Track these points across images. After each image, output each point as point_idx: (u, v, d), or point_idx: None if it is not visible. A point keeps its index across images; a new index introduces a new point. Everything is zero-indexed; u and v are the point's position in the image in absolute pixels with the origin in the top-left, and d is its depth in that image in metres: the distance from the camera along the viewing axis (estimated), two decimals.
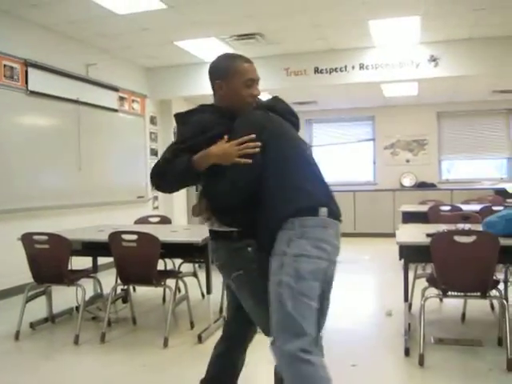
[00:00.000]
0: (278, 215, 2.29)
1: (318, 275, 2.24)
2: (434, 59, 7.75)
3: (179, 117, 2.53)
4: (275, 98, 2.62)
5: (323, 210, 2.29)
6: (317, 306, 2.25)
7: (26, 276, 4.60)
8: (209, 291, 4.44)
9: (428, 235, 3.93)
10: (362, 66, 8.02)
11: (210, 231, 2.52)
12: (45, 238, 4.42)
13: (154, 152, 9.50)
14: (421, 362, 3.65)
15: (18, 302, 4.68)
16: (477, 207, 6.43)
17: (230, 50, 8.01)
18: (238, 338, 2.73)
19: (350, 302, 5.85)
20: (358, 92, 10.10)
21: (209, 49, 7.92)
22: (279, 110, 2.52)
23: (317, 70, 8.22)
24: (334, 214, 2.34)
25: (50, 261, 4.41)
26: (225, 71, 2.44)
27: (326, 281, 2.31)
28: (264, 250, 2.33)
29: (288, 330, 2.19)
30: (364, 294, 6.39)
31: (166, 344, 4.19)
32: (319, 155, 12.76)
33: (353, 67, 8.07)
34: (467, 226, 4.24)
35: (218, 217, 2.43)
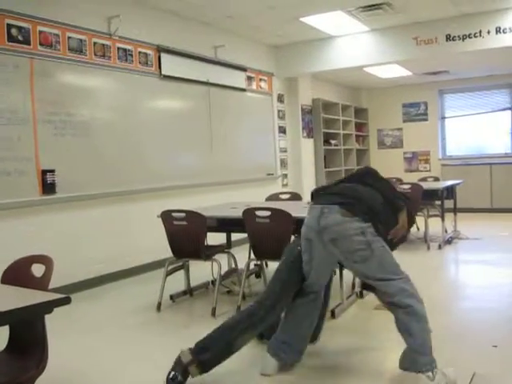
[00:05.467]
0: None
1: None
2: None
3: None
4: None
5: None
6: None
7: (165, 251, 4.86)
8: (342, 267, 4.44)
9: None
10: (498, 30, 7.48)
11: None
12: (182, 215, 4.63)
13: (282, 130, 9.58)
14: None
15: (159, 275, 4.96)
16: None
17: (357, 23, 7.86)
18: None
19: (489, 279, 5.60)
20: (494, 58, 9.48)
21: (335, 23, 7.83)
22: None
23: (448, 38, 7.79)
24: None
25: (187, 236, 4.62)
26: None
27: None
28: None
29: None
30: (503, 272, 6.06)
31: None
32: (452, 126, 12.26)
33: (488, 32, 7.55)
34: None
35: None
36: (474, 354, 3.41)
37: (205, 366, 3.02)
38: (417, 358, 2.87)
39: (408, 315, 2.89)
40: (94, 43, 5.86)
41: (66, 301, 1.97)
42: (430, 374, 2.81)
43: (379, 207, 3.05)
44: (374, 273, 2.96)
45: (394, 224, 3.08)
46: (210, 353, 3.04)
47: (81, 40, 5.70)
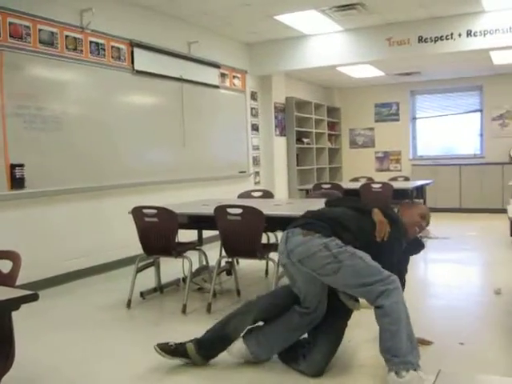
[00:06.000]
0: None
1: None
2: None
3: None
4: None
5: None
6: None
7: (136, 247, 4.82)
8: None
9: None
10: (469, 33, 7.60)
11: None
12: (153, 211, 4.61)
13: (255, 127, 9.59)
14: None
15: (130, 272, 4.91)
16: None
17: (331, 23, 7.90)
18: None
19: (456, 278, 5.70)
20: (465, 61, 9.63)
21: (309, 22, 7.86)
22: None
23: (421, 39, 7.90)
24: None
25: (158, 233, 4.60)
26: None
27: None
28: None
29: None
30: (471, 271, 6.19)
31: None
32: (423, 127, 12.43)
33: (459, 35, 7.67)
34: None
35: None
36: (441, 351, 3.46)
37: (201, 344, 3.25)
38: (388, 358, 2.88)
39: (382, 317, 2.90)
40: (66, 36, 5.78)
41: (33, 297, 1.95)
42: (403, 372, 2.78)
43: (345, 216, 3.19)
44: (350, 281, 2.99)
45: (371, 226, 3.15)
46: (206, 334, 3.30)
47: (52, 33, 5.62)
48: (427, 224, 3.50)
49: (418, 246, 3.55)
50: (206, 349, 3.26)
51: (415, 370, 2.81)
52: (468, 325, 4.07)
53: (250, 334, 3.30)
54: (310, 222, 3.18)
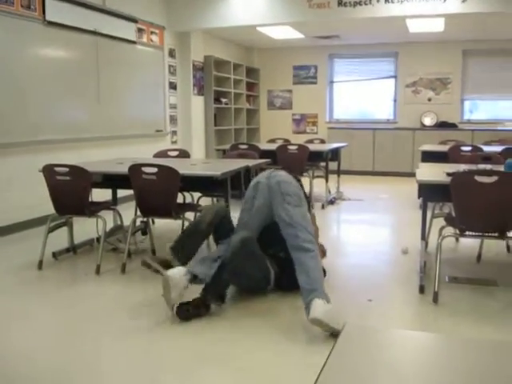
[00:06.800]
0: None
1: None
2: None
3: None
4: None
5: None
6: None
7: (47, 207, 4.67)
8: None
9: (448, 174, 3.91)
10: (387, 0, 7.76)
11: None
12: (66, 169, 4.46)
13: (172, 85, 9.42)
14: (435, 300, 3.69)
15: (41, 232, 4.75)
16: (498, 148, 6.38)
17: None
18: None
19: (367, 238, 5.90)
20: (382, 27, 9.82)
21: None
22: None
23: (340, 3, 7.96)
24: None
25: (71, 192, 4.47)
26: None
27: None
28: None
29: None
30: (381, 232, 6.44)
31: None
32: (340, 91, 12.63)
33: (378, 0, 7.80)
34: (488, 167, 4.20)
35: None
36: (350, 307, 3.61)
37: (176, 248, 3.65)
38: (313, 289, 3.23)
39: (311, 258, 3.40)
40: None
41: None
42: (324, 300, 3.16)
43: None
44: (298, 218, 3.57)
45: None
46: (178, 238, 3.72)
47: None
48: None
49: None
50: (184, 250, 3.66)
51: None
52: (377, 282, 4.26)
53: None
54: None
